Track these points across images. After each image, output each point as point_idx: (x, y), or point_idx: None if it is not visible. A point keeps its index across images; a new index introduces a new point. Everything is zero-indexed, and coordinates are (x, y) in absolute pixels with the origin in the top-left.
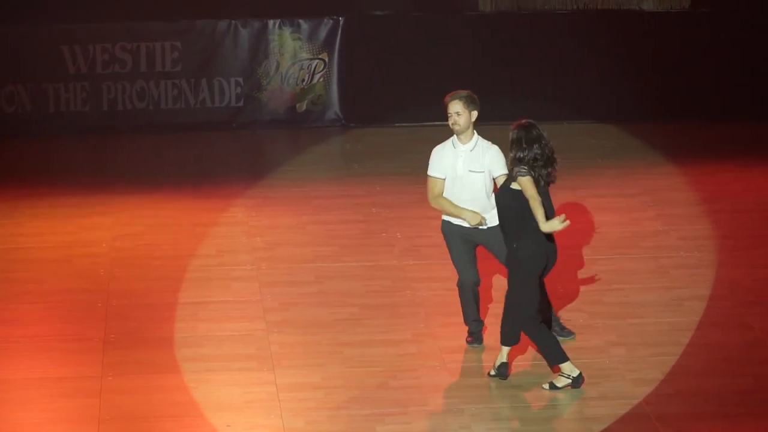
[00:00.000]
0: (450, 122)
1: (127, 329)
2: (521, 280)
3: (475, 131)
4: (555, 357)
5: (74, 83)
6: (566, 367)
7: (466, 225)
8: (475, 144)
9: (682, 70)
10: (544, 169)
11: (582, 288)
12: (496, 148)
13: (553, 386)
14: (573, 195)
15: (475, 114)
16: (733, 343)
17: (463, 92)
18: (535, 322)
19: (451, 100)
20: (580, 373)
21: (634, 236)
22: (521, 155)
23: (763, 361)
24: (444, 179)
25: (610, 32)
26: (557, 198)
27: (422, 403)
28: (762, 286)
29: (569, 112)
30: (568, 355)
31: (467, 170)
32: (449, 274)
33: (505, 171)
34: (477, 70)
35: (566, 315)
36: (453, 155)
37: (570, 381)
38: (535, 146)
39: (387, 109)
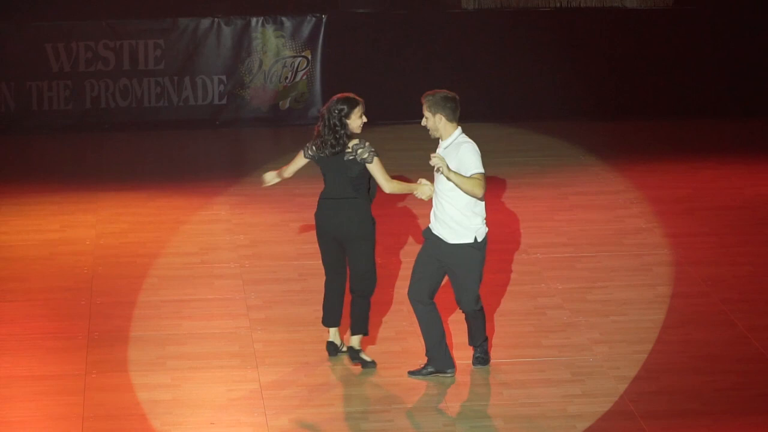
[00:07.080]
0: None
1: (111, 327)
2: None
3: (457, 129)
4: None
5: (57, 81)
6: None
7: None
8: (451, 142)
9: (665, 67)
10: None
11: (565, 285)
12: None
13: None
14: (556, 192)
15: (440, 117)
16: (716, 340)
17: (430, 94)
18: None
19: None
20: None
21: (617, 233)
22: None
23: (746, 358)
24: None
25: (592, 29)
26: (543, 195)
27: (406, 400)
28: (745, 283)
29: (552, 110)
30: (554, 352)
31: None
32: None
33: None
34: (460, 68)
35: (549, 312)
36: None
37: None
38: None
39: (370, 106)
